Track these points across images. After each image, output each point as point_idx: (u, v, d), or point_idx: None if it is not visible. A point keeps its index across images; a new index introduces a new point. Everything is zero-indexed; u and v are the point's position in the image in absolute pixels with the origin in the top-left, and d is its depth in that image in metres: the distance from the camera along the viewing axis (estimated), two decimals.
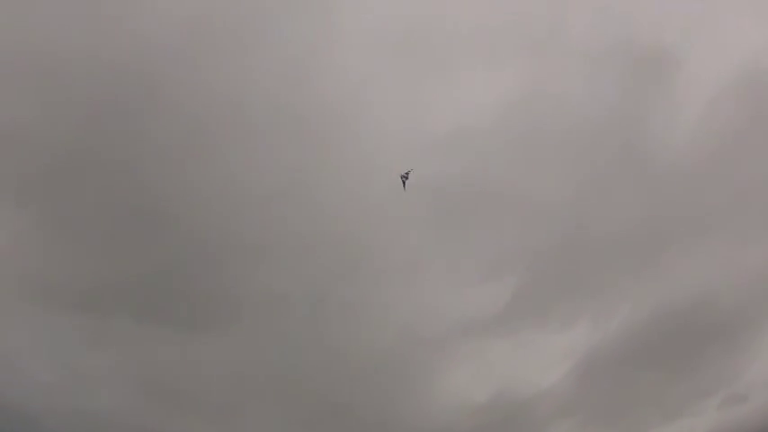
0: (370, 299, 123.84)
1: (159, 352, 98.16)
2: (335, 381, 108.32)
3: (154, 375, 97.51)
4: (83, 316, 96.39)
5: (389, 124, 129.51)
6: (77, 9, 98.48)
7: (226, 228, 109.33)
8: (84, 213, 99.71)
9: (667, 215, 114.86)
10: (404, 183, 37.85)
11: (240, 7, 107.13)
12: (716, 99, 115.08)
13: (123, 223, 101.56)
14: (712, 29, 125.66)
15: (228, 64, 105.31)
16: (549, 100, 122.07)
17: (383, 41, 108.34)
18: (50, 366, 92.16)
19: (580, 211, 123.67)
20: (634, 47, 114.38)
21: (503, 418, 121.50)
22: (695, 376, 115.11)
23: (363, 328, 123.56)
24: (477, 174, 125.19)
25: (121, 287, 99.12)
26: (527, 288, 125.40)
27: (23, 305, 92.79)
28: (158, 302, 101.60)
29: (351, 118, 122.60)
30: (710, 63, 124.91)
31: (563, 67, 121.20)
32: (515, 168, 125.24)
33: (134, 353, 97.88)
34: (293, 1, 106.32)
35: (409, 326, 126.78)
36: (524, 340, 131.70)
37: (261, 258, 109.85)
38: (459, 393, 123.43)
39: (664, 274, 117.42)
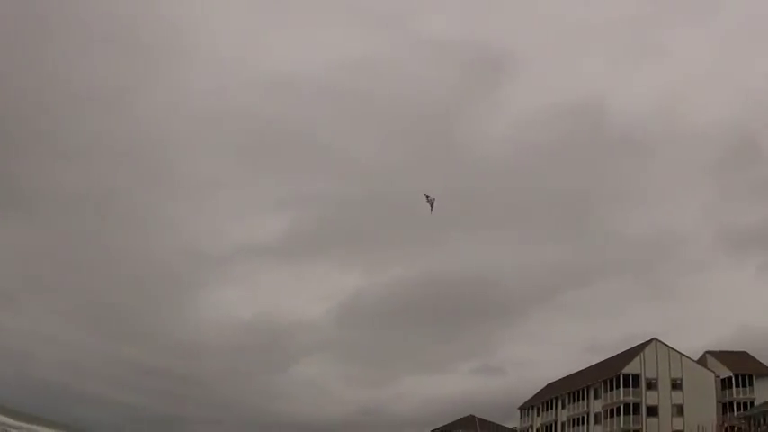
0: (159, 211, 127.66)
1: None
2: (113, 282, 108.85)
3: None
4: None
5: (226, 57, 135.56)
6: None
7: (40, 115, 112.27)
8: None
9: (465, 199, 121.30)
10: (431, 205, 37.71)
11: None
12: (539, 114, 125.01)
13: None
14: (555, 50, 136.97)
15: None
16: (386, 75, 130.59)
17: None
18: None
19: (385, 174, 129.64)
20: (476, 48, 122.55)
21: (265, 340, 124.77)
22: (457, 342, 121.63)
23: (148, 237, 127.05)
24: (296, 119, 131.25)
25: None
26: (310, 227, 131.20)
27: None
28: None
29: (190, 43, 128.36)
30: (543, 82, 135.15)
31: (404, 52, 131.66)
32: (336, 123, 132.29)
33: None
34: None
35: (191, 242, 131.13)
36: (297, 273, 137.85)
37: (63, 156, 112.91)
38: (228, 310, 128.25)
39: (447, 248, 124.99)
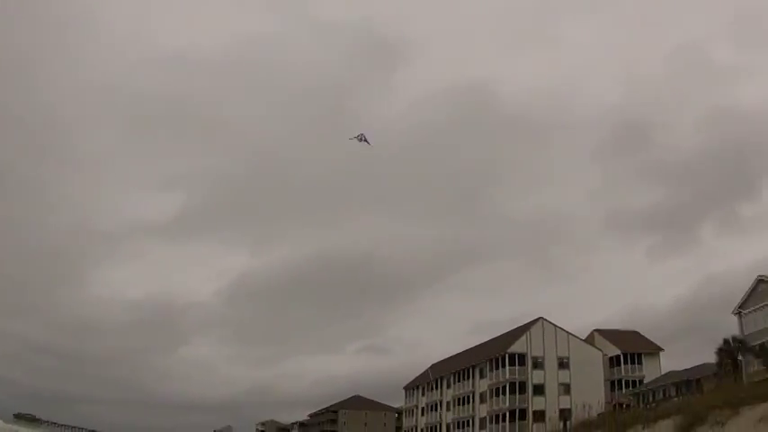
0: (49, 184, 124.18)
1: None
2: (2, 254, 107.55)
3: None
4: None
5: (125, 36, 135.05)
6: None
7: None
8: None
9: (355, 176, 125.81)
10: (362, 140, 34.56)
11: None
12: (432, 96, 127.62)
13: None
14: (448, 36, 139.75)
15: None
16: (277, 53, 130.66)
17: None
18: None
19: (274, 150, 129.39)
20: (373, 32, 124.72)
21: (155, 319, 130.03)
22: (345, 321, 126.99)
23: (37, 211, 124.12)
24: (188, 94, 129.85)
25: None
26: (199, 204, 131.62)
27: None
28: None
29: (92, 20, 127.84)
30: (437, 67, 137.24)
31: (296, 31, 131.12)
32: (230, 99, 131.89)
33: None
34: None
35: (82, 218, 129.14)
36: (187, 251, 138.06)
37: None
38: (118, 288, 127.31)
39: (336, 226, 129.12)
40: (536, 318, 56.71)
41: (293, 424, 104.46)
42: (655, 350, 59.35)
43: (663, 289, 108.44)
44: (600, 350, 57.53)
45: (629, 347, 59.08)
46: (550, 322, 55.94)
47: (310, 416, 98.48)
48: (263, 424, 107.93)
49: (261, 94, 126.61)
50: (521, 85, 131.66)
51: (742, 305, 39.33)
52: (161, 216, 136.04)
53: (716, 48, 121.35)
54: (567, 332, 56.08)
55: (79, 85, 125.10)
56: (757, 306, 38.41)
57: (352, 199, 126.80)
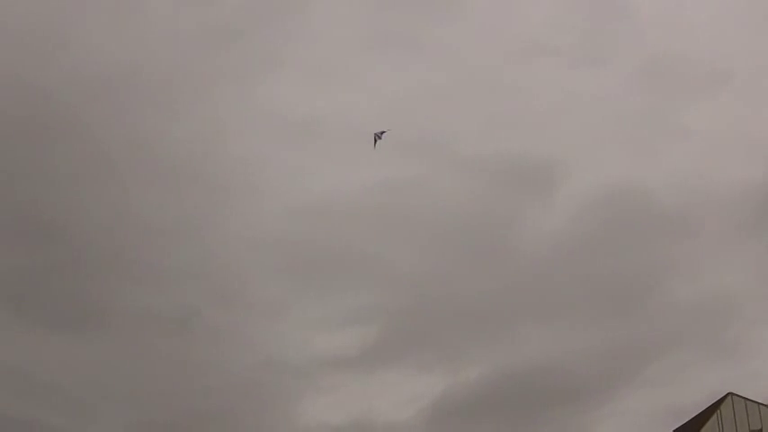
0: (236, 327, 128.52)
1: (23, 345, 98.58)
2: (195, 394, 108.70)
3: (12, 366, 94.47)
4: None
5: (274, 189, 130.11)
6: (9, 25, 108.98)
7: (113, 245, 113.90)
8: None
9: (524, 297, 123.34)
10: (375, 140, 37.50)
11: (170, 66, 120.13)
12: (583, 211, 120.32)
13: (9, 221, 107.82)
14: (590, 151, 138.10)
15: (151, 111, 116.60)
16: (424, 190, 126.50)
17: (285, 122, 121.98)
18: None
19: (441, 282, 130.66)
20: (517, 156, 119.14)
21: None
22: (538, 430, 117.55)
23: (227, 352, 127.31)
24: (348, 237, 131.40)
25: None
26: (381, 337, 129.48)
27: None
28: (34, 299, 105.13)
29: (248, 179, 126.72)
30: (585, 179, 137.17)
31: (447, 166, 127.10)
32: (387, 241, 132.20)
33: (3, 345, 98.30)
34: (218, 74, 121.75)
35: (273, 356, 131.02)
36: (378, 380, 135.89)
37: (141, 277, 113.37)
38: (322, 417, 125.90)
39: (513, 344, 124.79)
40: (725, 394, 55.79)
41: None
42: None
43: None
44: None
45: None
46: (740, 396, 56.57)
47: None
48: None
49: (414, 232, 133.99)
50: (664, 181, 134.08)
51: None
52: (348, 350, 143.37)
53: None
54: (758, 403, 56.28)
55: (248, 239, 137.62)
56: None
57: (526, 319, 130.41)
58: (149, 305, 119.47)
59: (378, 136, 37.62)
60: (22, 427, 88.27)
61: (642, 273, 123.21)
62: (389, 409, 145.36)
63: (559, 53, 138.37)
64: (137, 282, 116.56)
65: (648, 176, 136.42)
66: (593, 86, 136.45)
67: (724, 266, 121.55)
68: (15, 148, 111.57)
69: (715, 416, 54.44)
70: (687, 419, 62.00)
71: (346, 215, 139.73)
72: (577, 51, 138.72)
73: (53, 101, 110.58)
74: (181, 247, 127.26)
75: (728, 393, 55.87)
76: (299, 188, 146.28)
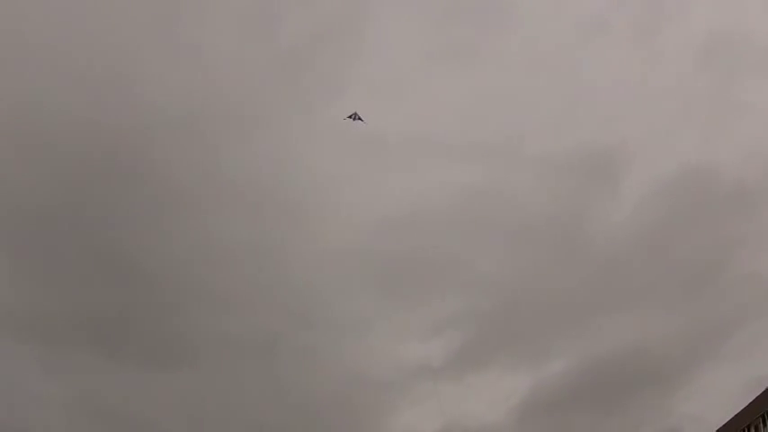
0: (324, 346, 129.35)
1: (118, 387, 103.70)
2: (287, 416, 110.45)
3: (110, 408, 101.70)
4: (46, 347, 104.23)
5: (350, 205, 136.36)
6: (84, 70, 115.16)
7: (194, 278, 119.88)
8: (59, 254, 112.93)
9: (600, 288, 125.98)
10: (353, 118, 40.00)
11: (239, 97, 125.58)
12: (650, 196, 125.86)
13: (96, 265, 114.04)
14: (652, 134, 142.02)
15: (224, 142, 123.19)
16: (496, 193, 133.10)
17: (353, 139, 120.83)
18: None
19: (521, 281, 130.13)
20: (581, 148, 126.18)
21: None
22: (628, 415, 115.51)
23: (316, 371, 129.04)
24: (431, 249, 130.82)
25: (88, 323, 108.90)
26: (471, 342, 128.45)
27: None
28: (124, 341, 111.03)
29: (322, 198, 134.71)
30: (649, 164, 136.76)
31: (515, 167, 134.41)
32: (465, 246, 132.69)
33: (93, 385, 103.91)
34: (285, 100, 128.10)
35: (360, 371, 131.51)
36: (469, 384, 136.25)
37: (223, 306, 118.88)
38: (417, 426, 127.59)
39: (594, 334, 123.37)
40: None
41: None
42: None
43: None
44: None
45: None
46: None
47: None
48: None
49: (492, 235, 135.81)
50: (729, 158, 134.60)
51: None
52: (434, 358, 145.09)
53: None
54: None
55: (327, 257, 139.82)
56: None
57: (604, 308, 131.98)
58: (234, 333, 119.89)
59: (354, 117, 39.77)
60: None
61: (713, 250, 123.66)
62: (480, 411, 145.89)
63: (613, 43, 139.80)
64: (220, 311, 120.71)
65: (713, 155, 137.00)
66: (651, 70, 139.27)
67: None
68: (95, 193, 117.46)
69: None
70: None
71: (425, 224, 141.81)
72: (633, 31, 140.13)
73: (128, 142, 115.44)
74: (261, 272, 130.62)
75: None
76: (375, 202, 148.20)
